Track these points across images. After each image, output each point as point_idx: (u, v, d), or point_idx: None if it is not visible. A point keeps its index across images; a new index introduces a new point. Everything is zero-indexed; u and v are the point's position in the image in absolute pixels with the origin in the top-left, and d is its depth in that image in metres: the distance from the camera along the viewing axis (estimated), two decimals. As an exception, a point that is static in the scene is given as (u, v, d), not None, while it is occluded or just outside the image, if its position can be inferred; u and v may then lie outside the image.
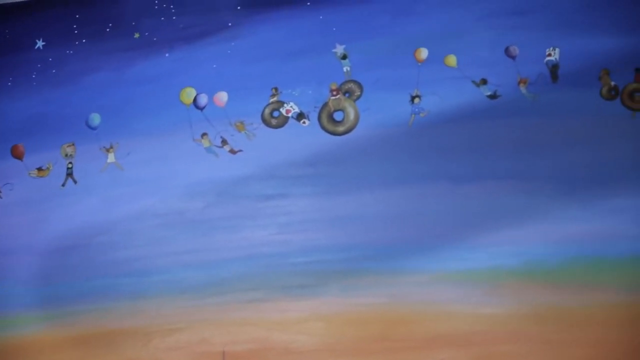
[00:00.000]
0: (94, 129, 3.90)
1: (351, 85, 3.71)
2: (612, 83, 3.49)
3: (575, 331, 3.36)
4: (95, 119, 3.89)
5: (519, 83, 3.56)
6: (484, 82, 3.59)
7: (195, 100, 3.81)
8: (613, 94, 3.49)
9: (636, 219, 3.37)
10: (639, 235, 3.37)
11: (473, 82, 3.59)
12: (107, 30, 3.97)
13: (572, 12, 3.55)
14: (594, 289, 3.38)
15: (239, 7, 3.83)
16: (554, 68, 3.55)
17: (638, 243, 3.36)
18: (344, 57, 3.71)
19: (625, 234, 3.37)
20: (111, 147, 3.86)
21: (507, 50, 3.59)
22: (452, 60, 3.63)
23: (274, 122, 3.75)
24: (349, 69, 3.71)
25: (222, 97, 3.79)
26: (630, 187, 3.40)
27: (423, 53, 3.65)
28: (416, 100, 3.63)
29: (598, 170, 3.44)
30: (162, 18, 3.90)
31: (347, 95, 3.70)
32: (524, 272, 3.43)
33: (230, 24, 3.83)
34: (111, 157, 3.84)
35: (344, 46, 3.73)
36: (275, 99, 3.75)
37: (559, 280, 3.40)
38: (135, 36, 3.94)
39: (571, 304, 3.38)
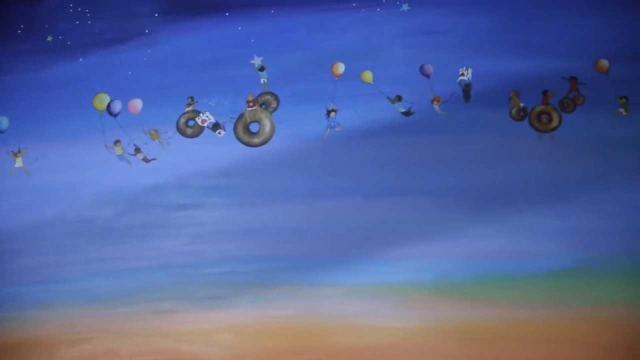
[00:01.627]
0: (1, 132, 3.78)
1: (268, 97, 3.71)
2: (521, 104, 3.58)
3: (481, 346, 3.42)
4: (3, 122, 3.79)
5: (432, 101, 3.61)
6: (399, 98, 3.63)
7: (108, 106, 3.75)
8: (522, 115, 3.58)
9: (542, 237, 3.46)
10: (544, 252, 3.45)
11: (388, 98, 3.63)
12: (19, 32, 3.87)
13: (484, 34, 3.62)
14: (500, 304, 3.45)
15: (156, 15, 3.79)
16: (466, 88, 3.62)
17: (544, 260, 3.45)
18: (262, 68, 3.71)
19: (531, 251, 3.46)
20: (19, 152, 3.76)
21: (421, 69, 3.65)
22: (368, 76, 3.66)
23: (189, 131, 3.72)
24: (266, 80, 3.71)
25: (136, 104, 3.74)
26: (536, 206, 3.49)
27: (340, 68, 3.68)
28: (332, 114, 3.65)
29: (506, 189, 3.51)
30: (77, 22, 3.83)
31: (263, 107, 3.70)
32: (433, 287, 3.49)
33: (147, 31, 3.78)
34: (19, 162, 3.74)
35: (261, 58, 3.73)
36: (190, 108, 3.72)
37: (466, 296, 3.47)
38: (48, 39, 3.85)
39: (478, 319, 3.45)
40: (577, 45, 3.57)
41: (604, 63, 3.54)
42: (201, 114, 3.70)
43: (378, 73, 3.66)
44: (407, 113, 3.61)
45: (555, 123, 3.55)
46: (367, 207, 3.55)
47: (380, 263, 3.51)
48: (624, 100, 3.50)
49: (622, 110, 3.51)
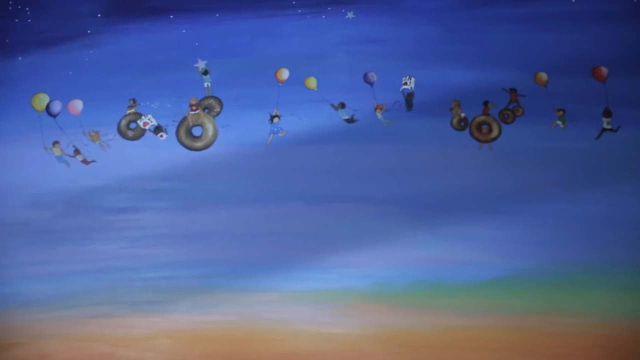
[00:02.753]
0: None
1: (211, 101, 3.69)
2: (462, 114, 3.62)
3: (418, 353, 3.45)
4: (-61, 120, 3.70)
5: (375, 109, 3.63)
6: (342, 105, 3.64)
7: (48, 106, 3.70)
8: (463, 124, 3.62)
9: (479, 246, 3.51)
10: (480, 261, 3.49)
11: (332, 105, 3.65)
12: (-45, 29, 3.79)
13: (428, 44, 3.66)
14: (436, 312, 3.48)
15: (99, 15, 3.75)
16: (409, 96, 3.65)
17: (479, 269, 3.49)
18: (205, 72, 3.69)
19: (468, 260, 3.50)
20: (-46, 151, 3.68)
21: (365, 76, 3.66)
22: (312, 82, 3.67)
23: (130, 133, 3.68)
24: (209, 84, 3.69)
25: (76, 105, 3.69)
26: (474, 216, 3.53)
27: (284, 74, 3.68)
28: (275, 119, 3.65)
29: (446, 198, 3.55)
30: (17, 20, 3.76)
31: (206, 111, 3.68)
32: (372, 294, 3.50)
33: (89, 32, 3.73)
34: (-47, 162, 3.65)
35: (205, 62, 3.71)
36: (132, 110, 3.69)
37: (404, 303, 3.49)
38: (-14, 37, 3.78)
39: (415, 327, 3.48)
40: (517, 57, 3.62)
41: (543, 76, 3.60)
42: (143, 117, 3.66)
43: (322, 80, 3.66)
44: (350, 120, 3.63)
45: (495, 133, 3.59)
46: (309, 213, 3.55)
47: (319, 269, 3.51)
48: (561, 112, 3.56)
49: (559, 122, 3.57)
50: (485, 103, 3.61)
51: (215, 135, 3.65)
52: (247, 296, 3.52)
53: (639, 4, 3.62)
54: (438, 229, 3.51)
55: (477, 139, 3.60)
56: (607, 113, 3.55)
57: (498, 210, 3.52)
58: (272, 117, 3.64)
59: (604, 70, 3.57)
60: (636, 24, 3.59)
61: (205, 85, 3.68)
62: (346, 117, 3.63)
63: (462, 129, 3.61)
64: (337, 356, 3.45)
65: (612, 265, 3.42)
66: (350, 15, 3.70)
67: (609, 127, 3.54)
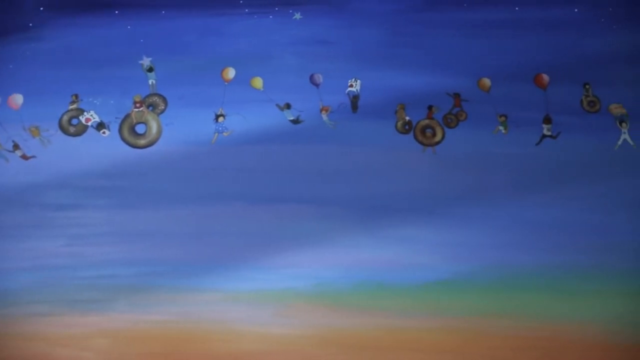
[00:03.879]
0: None
1: (156, 99, 3.66)
2: (407, 118, 3.64)
3: (359, 354, 3.46)
4: None
5: (321, 110, 3.64)
6: (288, 106, 3.64)
7: (-14, 100, 3.61)
8: (407, 128, 3.65)
9: (421, 249, 3.53)
10: (422, 264, 3.51)
11: (277, 105, 3.64)
12: None
13: (374, 47, 3.68)
14: (377, 313, 3.50)
15: (41, 8, 3.68)
16: (354, 99, 3.66)
17: (421, 271, 3.52)
18: (150, 69, 3.66)
19: (409, 262, 3.52)
20: None
21: (311, 78, 3.67)
22: (258, 82, 3.66)
23: (72, 129, 3.63)
24: (154, 82, 3.66)
25: (17, 99, 3.63)
26: (417, 218, 3.56)
27: (230, 73, 3.66)
28: (220, 119, 3.63)
29: (389, 201, 3.57)
30: (-44, 11, 3.68)
31: (150, 108, 3.65)
32: (314, 295, 3.51)
33: (31, 25, 3.67)
34: None
35: (150, 59, 3.68)
36: (75, 106, 3.64)
37: (345, 304, 3.50)
38: None
39: (356, 328, 3.49)
40: (461, 63, 3.66)
41: (486, 82, 3.64)
42: (85, 113, 3.62)
43: (268, 80, 3.66)
44: (295, 121, 3.63)
45: (438, 137, 3.62)
46: (252, 213, 3.55)
47: (261, 270, 3.51)
48: (503, 118, 3.60)
49: (501, 128, 3.61)
50: (430, 107, 3.64)
51: (159, 133, 3.62)
52: (188, 296, 3.50)
53: (580, 13, 3.66)
54: (380, 231, 3.53)
55: (421, 143, 3.63)
56: (547, 120, 3.61)
57: (440, 214, 3.55)
58: (217, 116, 3.62)
59: (545, 77, 3.63)
60: (577, 33, 3.66)
61: (150, 83, 3.65)
62: (292, 118, 3.63)
63: (406, 132, 3.63)
64: (278, 357, 3.45)
65: (549, 269, 3.47)
66: (297, 16, 3.70)
67: (549, 133, 3.60)
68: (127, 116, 3.62)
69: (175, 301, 3.48)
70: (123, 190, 3.56)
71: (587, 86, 3.64)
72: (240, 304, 3.49)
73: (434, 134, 3.62)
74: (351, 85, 3.64)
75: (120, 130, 3.60)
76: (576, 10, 3.67)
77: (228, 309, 3.48)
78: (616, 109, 3.61)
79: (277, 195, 3.55)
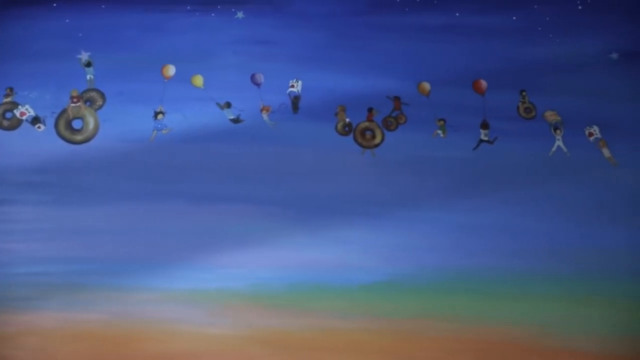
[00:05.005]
0: None
1: (93, 94, 3.61)
2: (347, 119, 3.65)
3: (294, 355, 3.46)
4: None
5: (261, 110, 3.63)
6: (228, 105, 3.62)
7: None
8: (347, 130, 3.66)
9: (358, 250, 3.54)
10: (359, 265, 3.53)
11: (217, 104, 3.62)
12: None
13: (316, 48, 3.68)
14: (314, 314, 3.50)
15: (-24, -1, 3.59)
16: (295, 99, 3.66)
17: (358, 273, 3.54)
18: (89, 64, 3.61)
19: (347, 263, 3.53)
20: None
21: (252, 77, 3.65)
22: (198, 80, 3.63)
23: (5, 123, 3.56)
24: (92, 77, 3.61)
25: (-51, 91, 3.52)
26: (356, 220, 3.57)
27: (170, 70, 3.63)
28: (160, 116, 3.59)
29: (328, 202, 3.58)
30: None
31: (88, 103, 3.60)
32: (250, 295, 3.49)
33: (-36, 15, 3.57)
34: None
35: (89, 54, 3.63)
36: (9, 99, 3.57)
37: (282, 305, 3.50)
38: None
39: (292, 329, 3.48)
40: (402, 66, 3.69)
41: (426, 86, 3.68)
42: (20, 106, 3.55)
43: (209, 78, 3.64)
44: (235, 120, 3.61)
45: (378, 140, 3.64)
46: (190, 212, 3.52)
47: (198, 269, 3.49)
48: (442, 122, 3.65)
49: (440, 132, 3.65)
50: (370, 109, 3.66)
51: (96, 129, 3.57)
52: (123, 295, 3.46)
53: (518, 21, 3.72)
54: (318, 232, 3.53)
55: (361, 145, 3.64)
56: (484, 125, 3.66)
57: (378, 216, 3.57)
58: (157, 114, 3.59)
59: (484, 83, 3.68)
60: (515, 40, 3.71)
61: (88, 78, 3.60)
62: (232, 117, 3.62)
63: (346, 134, 3.65)
64: (213, 357, 3.43)
65: (482, 272, 3.51)
66: (240, 15, 3.69)
67: (486, 138, 3.65)
68: (64, 111, 3.56)
69: (110, 300, 3.44)
70: (58, 186, 3.50)
71: (524, 93, 3.70)
72: (176, 303, 3.46)
73: (374, 137, 3.64)
74: (292, 86, 3.64)
75: (56, 125, 3.54)
76: (514, 18, 3.73)
77: (163, 308, 3.45)
78: (551, 116, 3.68)
79: (215, 194, 3.53)
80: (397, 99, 3.65)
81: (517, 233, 3.53)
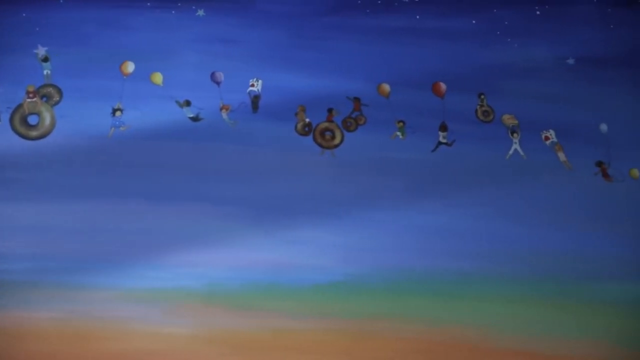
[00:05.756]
0: None
1: (50, 90, 3.56)
2: (307, 120, 3.65)
3: (250, 355, 3.45)
4: None
5: (221, 109, 3.62)
6: (188, 103, 3.60)
7: None
8: (307, 130, 3.65)
9: (315, 251, 3.55)
10: (316, 265, 3.55)
11: (177, 102, 3.59)
12: None
13: (277, 48, 3.69)
14: (270, 315, 3.49)
15: None
16: (255, 99, 3.65)
17: (315, 273, 3.54)
18: (46, 59, 3.56)
19: (304, 263, 3.54)
20: None
21: (212, 76, 3.63)
22: (158, 77, 3.61)
23: (-42, 118, 3.49)
24: (49, 72, 3.57)
25: None
26: (313, 221, 3.57)
27: (129, 67, 3.60)
28: (118, 113, 3.57)
29: (286, 202, 3.58)
30: None
31: (44, 99, 3.55)
32: (206, 295, 3.47)
33: None
34: None
35: (46, 48, 3.59)
36: (-37, 94, 3.50)
37: (238, 305, 3.48)
38: None
39: (248, 328, 3.48)
40: (362, 67, 3.71)
41: (386, 87, 3.70)
42: (-26, 101, 3.48)
43: (168, 76, 3.62)
44: (195, 119, 3.59)
45: (337, 140, 3.65)
46: (148, 210, 3.50)
47: (154, 268, 3.46)
48: (401, 124, 3.66)
49: (399, 133, 3.67)
50: (330, 110, 3.67)
51: (53, 125, 3.53)
52: (78, 293, 3.42)
53: (477, 25, 3.75)
54: (276, 232, 3.54)
55: (320, 145, 3.65)
56: (443, 127, 3.69)
57: (336, 216, 3.57)
58: (115, 111, 3.56)
59: (443, 85, 3.71)
60: (474, 44, 3.74)
61: (45, 73, 3.56)
62: (191, 115, 3.60)
63: (306, 134, 3.65)
64: (169, 356, 3.41)
65: (439, 273, 3.53)
66: (200, 12, 3.67)
67: (444, 141, 3.68)
68: (19, 106, 3.52)
69: (65, 298, 3.40)
70: (13, 183, 3.46)
71: (482, 96, 3.74)
72: (132, 302, 3.44)
73: (333, 137, 3.64)
74: (252, 85, 3.64)
75: (11, 121, 3.50)
76: (474, 22, 3.76)
77: (119, 307, 3.43)
78: (508, 120, 3.72)
79: (173, 193, 3.51)
80: (357, 100, 3.66)
81: (471, 235, 3.57)
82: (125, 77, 3.57)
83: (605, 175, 3.72)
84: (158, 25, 3.64)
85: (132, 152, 3.55)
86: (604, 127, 3.76)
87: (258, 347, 3.43)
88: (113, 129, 3.54)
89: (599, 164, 3.72)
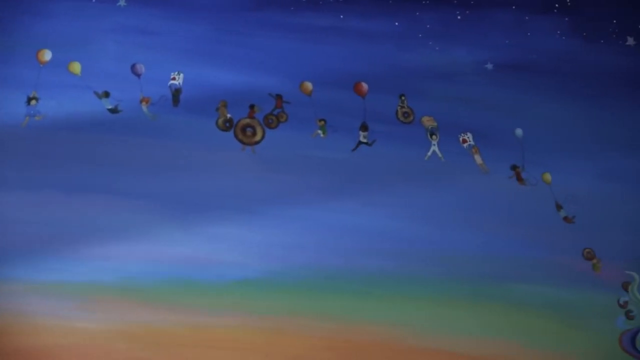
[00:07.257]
0: None
1: (-38, 76, 3.44)
2: (228, 115, 3.63)
3: (163, 351, 3.41)
4: None
5: (141, 101, 3.56)
6: (107, 94, 3.54)
7: None
8: (228, 125, 3.63)
9: (233, 247, 3.55)
10: (233, 261, 3.53)
11: (95, 93, 3.53)
12: None
13: (199, 42, 3.66)
14: (184, 310, 3.45)
15: None
16: (176, 92, 3.61)
17: (231, 269, 3.53)
18: (-47, 44, 3.44)
19: (220, 259, 3.52)
20: None
21: (133, 67, 3.58)
22: (76, 67, 3.54)
23: None
24: (-40, 58, 3.45)
25: None
26: (231, 216, 3.58)
27: (46, 55, 3.52)
28: (33, 102, 3.48)
29: (204, 197, 3.56)
30: None
31: (-45, 85, 3.43)
32: (118, 289, 3.42)
33: None
34: None
35: (-48, 32, 3.46)
36: None
37: (152, 300, 3.44)
38: None
39: (161, 324, 3.43)
40: (285, 65, 3.71)
41: (308, 85, 3.71)
42: None
43: (87, 66, 3.56)
44: (113, 110, 3.54)
45: (258, 137, 3.64)
46: (62, 202, 3.44)
47: (66, 261, 3.40)
48: (322, 122, 3.68)
49: (320, 132, 3.68)
50: (252, 106, 3.66)
51: (-37, 112, 3.41)
52: (-13, 286, 3.29)
53: (400, 27, 3.80)
54: (193, 227, 3.51)
55: (241, 141, 3.64)
56: (364, 127, 3.72)
57: (255, 213, 3.57)
58: (30, 99, 3.47)
59: (365, 85, 3.74)
60: (396, 45, 3.78)
61: (-44, 58, 3.43)
62: (110, 107, 3.54)
63: (227, 129, 3.63)
64: (79, 352, 3.34)
65: (356, 272, 3.56)
66: (122, 3, 3.62)
67: (365, 140, 3.71)
68: None
69: (-30, 291, 3.27)
70: None
71: (403, 97, 3.78)
72: (41, 295, 3.35)
73: (254, 134, 3.63)
74: (174, 78, 3.61)
75: None
76: (396, 23, 3.81)
77: (28, 301, 3.33)
78: (428, 122, 3.77)
79: (88, 184, 3.46)
80: (279, 97, 3.67)
81: (388, 235, 3.61)
82: (41, 65, 3.50)
83: (519, 178, 3.80)
84: (78, 13, 3.58)
85: (47, 142, 3.50)
86: (519, 131, 3.84)
87: (174, 342, 3.40)
88: (28, 117, 3.46)
89: (514, 167, 3.81)
